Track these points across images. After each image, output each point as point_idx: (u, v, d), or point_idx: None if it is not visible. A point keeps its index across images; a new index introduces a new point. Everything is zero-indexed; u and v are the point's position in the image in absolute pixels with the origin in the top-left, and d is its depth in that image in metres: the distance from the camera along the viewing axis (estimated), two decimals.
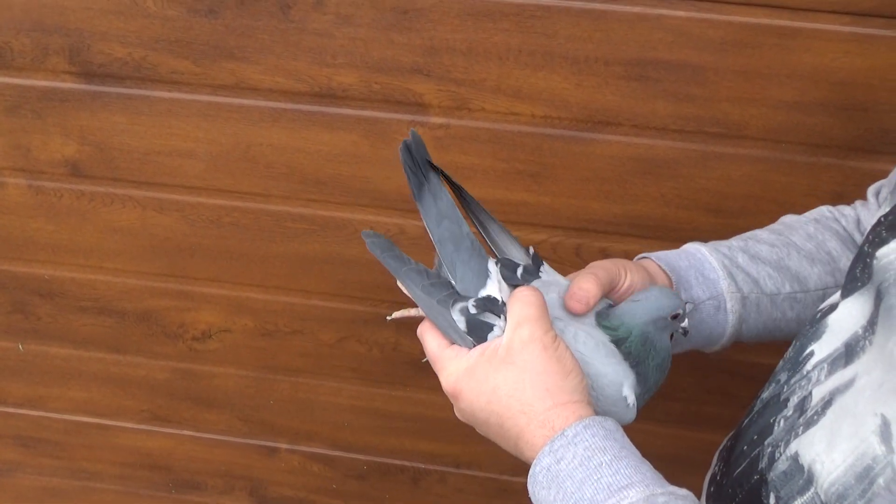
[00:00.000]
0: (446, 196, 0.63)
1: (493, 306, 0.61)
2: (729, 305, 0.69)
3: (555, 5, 0.89)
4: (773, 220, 0.80)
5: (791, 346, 0.62)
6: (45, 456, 1.37)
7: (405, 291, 0.64)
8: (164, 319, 1.19)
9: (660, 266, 0.69)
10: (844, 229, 0.76)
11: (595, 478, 0.52)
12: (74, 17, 0.95)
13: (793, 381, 0.57)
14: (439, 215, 0.63)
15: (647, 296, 0.63)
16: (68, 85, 1.00)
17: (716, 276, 0.70)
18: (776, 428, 0.56)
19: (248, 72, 0.97)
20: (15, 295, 1.20)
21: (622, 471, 0.52)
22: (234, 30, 0.94)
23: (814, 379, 0.55)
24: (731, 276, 0.70)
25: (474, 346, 0.60)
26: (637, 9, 0.87)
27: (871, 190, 0.77)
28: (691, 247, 0.73)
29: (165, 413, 1.29)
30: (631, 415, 0.62)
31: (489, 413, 0.59)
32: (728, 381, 1.11)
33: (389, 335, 1.15)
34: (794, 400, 0.56)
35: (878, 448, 0.45)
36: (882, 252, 0.53)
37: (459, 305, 0.61)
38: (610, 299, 0.65)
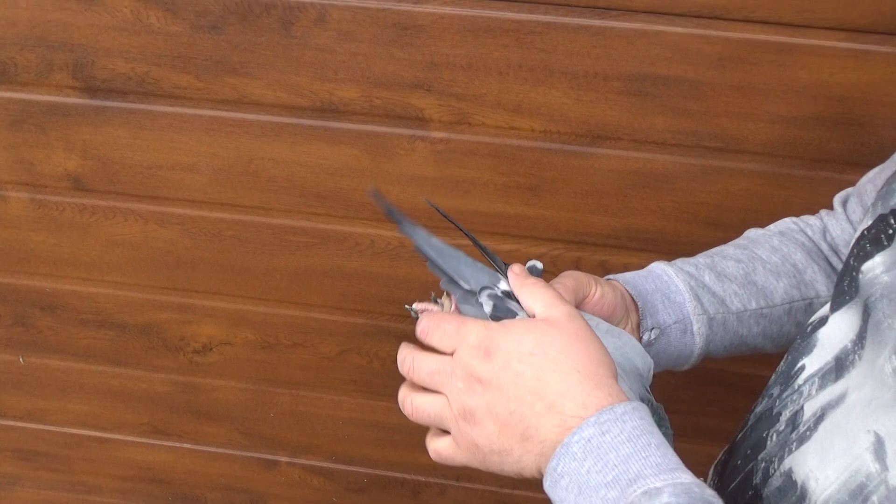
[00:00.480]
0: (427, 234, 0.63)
1: (515, 300, 0.59)
2: (696, 328, 0.69)
3: (554, 21, 0.90)
4: None
5: (783, 360, 0.62)
6: (45, 469, 1.37)
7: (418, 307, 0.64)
8: (164, 332, 1.19)
9: (626, 289, 0.68)
10: (810, 239, 0.76)
11: (643, 455, 0.49)
12: (79, 34, 0.96)
13: (784, 395, 0.57)
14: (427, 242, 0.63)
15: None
16: (72, 100, 1.01)
17: (682, 298, 0.69)
18: (769, 443, 0.56)
19: (250, 87, 0.98)
20: (16, 308, 1.20)
21: (670, 455, 0.50)
22: (236, 45, 0.95)
23: (805, 393, 0.55)
24: (696, 297, 0.69)
25: None
26: (635, 25, 0.88)
27: (837, 199, 0.77)
28: (657, 267, 0.72)
29: (165, 426, 1.29)
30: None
31: (528, 365, 0.52)
32: (727, 393, 1.12)
33: (390, 348, 1.15)
34: (785, 414, 0.56)
35: (872, 466, 0.45)
36: (867, 266, 0.53)
37: (487, 291, 0.60)
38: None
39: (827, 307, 0.59)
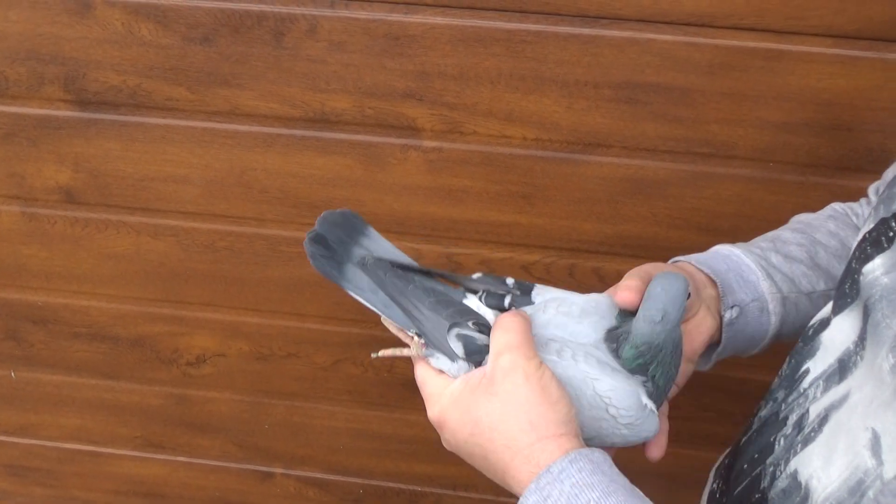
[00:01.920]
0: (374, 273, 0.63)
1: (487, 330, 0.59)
2: (771, 307, 0.68)
3: (544, 31, 0.90)
4: None
5: (786, 363, 0.62)
6: (37, 485, 1.36)
7: (390, 323, 0.63)
8: (158, 345, 1.18)
9: (700, 269, 0.67)
10: (858, 228, 0.76)
11: None
12: (70, 47, 0.96)
13: (790, 399, 0.58)
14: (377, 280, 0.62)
15: (657, 303, 0.57)
16: (63, 112, 1.01)
17: (755, 277, 0.68)
18: (777, 447, 0.56)
19: (242, 98, 0.98)
20: (7, 322, 1.20)
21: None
22: (228, 57, 0.95)
23: (810, 396, 0.55)
24: (769, 276, 0.69)
25: (470, 370, 0.59)
26: (625, 33, 0.89)
27: (871, 189, 0.76)
28: (724, 249, 0.71)
29: (159, 439, 1.28)
30: (655, 421, 0.59)
31: (473, 445, 0.57)
32: (722, 398, 1.12)
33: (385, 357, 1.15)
34: (792, 418, 0.56)
35: (870, 461, 0.46)
36: (868, 268, 0.53)
37: (455, 331, 0.59)
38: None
39: (828, 308, 0.59)
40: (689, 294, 0.59)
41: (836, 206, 0.78)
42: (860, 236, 0.58)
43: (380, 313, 0.63)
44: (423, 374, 0.62)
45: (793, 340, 0.71)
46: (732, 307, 0.67)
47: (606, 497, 0.51)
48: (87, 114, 1.01)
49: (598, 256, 1.03)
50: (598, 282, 1.05)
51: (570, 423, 0.55)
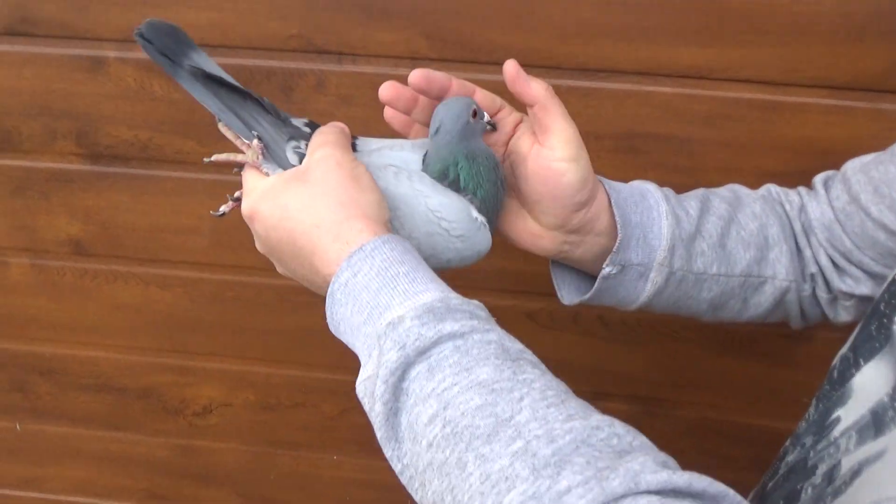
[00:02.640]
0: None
1: None
2: (652, 275, 0.66)
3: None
4: None
5: (813, 407, 0.61)
6: None
7: (227, 129, 0.64)
8: (164, 395, 1.19)
9: (613, 209, 0.65)
10: (787, 215, 0.72)
11: (391, 286, 0.51)
12: (82, 102, 0.98)
13: (819, 447, 0.57)
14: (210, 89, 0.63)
15: (436, 119, 0.63)
16: (75, 166, 1.03)
17: (657, 244, 0.65)
18: (804, 495, 0.55)
19: None
20: (14, 374, 1.20)
21: (419, 279, 0.51)
22: None
23: (842, 447, 0.54)
24: (671, 249, 0.65)
25: None
26: (625, 86, 0.91)
27: (818, 179, 0.73)
28: (652, 197, 0.67)
29: (164, 492, 1.27)
30: (487, 236, 0.63)
31: (281, 230, 0.57)
32: (726, 443, 1.12)
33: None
34: (822, 468, 0.55)
35: None
36: None
37: (293, 143, 0.62)
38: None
39: (847, 348, 0.58)
40: (476, 111, 0.63)
41: (772, 189, 0.75)
42: (889, 279, 0.57)
43: (217, 116, 0.64)
44: (247, 172, 0.62)
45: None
46: (616, 265, 0.65)
47: (415, 272, 0.52)
48: (99, 167, 1.03)
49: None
50: (603, 327, 1.05)
51: (379, 212, 0.57)
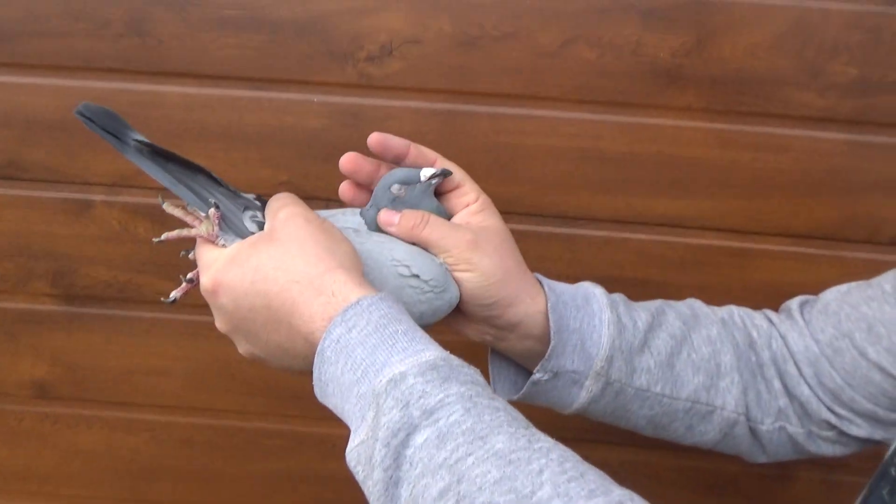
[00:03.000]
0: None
1: None
2: (588, 383, 0.64)
3: (527, 230, 0.96)
4: None
5: None
6: None
7: (174, 208, 0.62)
8: None
9: (549, 314, 0.63)
10: (749, 343, 0.70)
11: (390, 343, 0.48)
12: (63, 244, 0.97)
13: None
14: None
15: (377, 194, 0.65)
16: (47, 307, 1.00)
17: (595, 352, 0.63)
18: None
19: None
20: None
21: (419, 338, 0.49)
22: None
23: None
24: (609, 359, 0.63)
25: None
26: (602, 233, 0.96)
27: (794, 304, 0.72)
28: (596, 303, 0.66)
29: None
30: (454, 285, 0.62)
31: (254, 295, 0.53)
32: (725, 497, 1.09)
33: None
34: None
35: None
36: None
37: (249, 213, 0.61)
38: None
39: None
40: (410, 179, 0.63)
41: (735, 312, 0.73)
42: None
43: (161, 197, 0.62)
44: (201, 248, 0.59)
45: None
46: (549, 371, 0.63)
47: (414, 331, 0.50)
48: (73, 308, 1.00)
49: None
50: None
51: (356, 263, 0.55)
